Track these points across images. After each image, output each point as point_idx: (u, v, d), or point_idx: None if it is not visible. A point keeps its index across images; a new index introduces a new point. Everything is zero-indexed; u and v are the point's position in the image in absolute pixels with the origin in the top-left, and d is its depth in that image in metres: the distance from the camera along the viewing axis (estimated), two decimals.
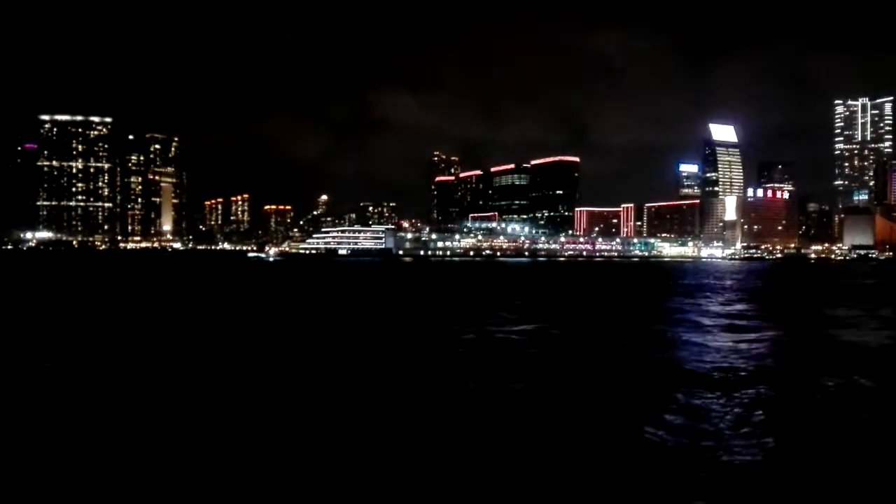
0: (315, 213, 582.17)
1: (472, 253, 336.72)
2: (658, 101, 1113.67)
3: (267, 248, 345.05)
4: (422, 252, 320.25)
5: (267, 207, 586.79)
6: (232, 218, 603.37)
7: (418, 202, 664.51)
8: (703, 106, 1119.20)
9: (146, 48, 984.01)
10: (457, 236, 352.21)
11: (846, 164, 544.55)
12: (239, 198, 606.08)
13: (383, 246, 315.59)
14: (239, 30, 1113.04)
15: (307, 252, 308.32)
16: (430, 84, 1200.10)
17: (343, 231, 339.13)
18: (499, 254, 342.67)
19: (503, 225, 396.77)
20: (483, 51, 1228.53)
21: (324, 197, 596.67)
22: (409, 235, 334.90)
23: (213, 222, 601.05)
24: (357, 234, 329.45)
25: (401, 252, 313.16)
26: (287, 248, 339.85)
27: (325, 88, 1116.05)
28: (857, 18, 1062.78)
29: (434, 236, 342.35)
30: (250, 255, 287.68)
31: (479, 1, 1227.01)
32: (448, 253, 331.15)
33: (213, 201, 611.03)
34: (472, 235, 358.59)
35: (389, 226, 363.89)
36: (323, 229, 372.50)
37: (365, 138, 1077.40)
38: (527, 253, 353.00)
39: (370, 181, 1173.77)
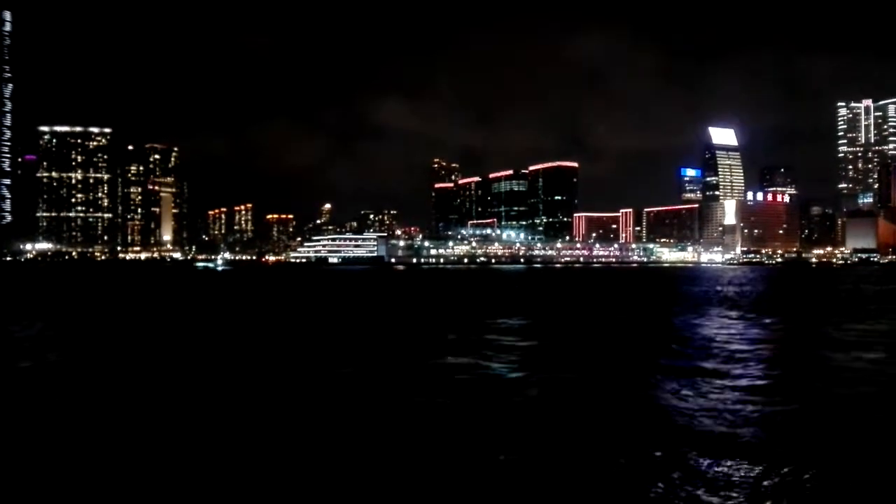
0: (317, 221, 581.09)
1: (466, 260, 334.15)
2: (658, 105, 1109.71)
3: (265, 258, 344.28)
4: (414, 260, 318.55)
5: (269, 217, 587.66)
6: (235, 227, 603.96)
7: (419, 210, 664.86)
8: (704, 110, 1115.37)
9: (144, 58, 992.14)
10: (450, 243, 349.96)
11: (850, 166, 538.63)
12: (242, 207, 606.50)
13: (376, 254, 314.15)
14: (234, 37, 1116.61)
15: (297, 261, 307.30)
16: (426, 90, 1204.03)
17: (334, 239, 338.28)
18: (493, 261, 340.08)
19: (499, 231, 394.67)
20: (480, 57, 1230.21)
21: (327, 206, 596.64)
22: (402, 243, 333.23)
23: (216, 232, 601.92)
24: (349, 242, 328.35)
25: (393, 260, 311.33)
26: (282, 258, 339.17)
27: (322, 96, 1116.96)
28: (855, 21, 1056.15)
29: (427, 244, 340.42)
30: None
31: (476, 7, 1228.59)
32: (441, 260, 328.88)
33: (216, 211, 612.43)
34: (466, 242, 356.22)
35: (382, 233, 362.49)
36: (314, 238, 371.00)
37: (365, 146, 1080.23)
38: (522, 260, 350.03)
39: (371, 189, 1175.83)
